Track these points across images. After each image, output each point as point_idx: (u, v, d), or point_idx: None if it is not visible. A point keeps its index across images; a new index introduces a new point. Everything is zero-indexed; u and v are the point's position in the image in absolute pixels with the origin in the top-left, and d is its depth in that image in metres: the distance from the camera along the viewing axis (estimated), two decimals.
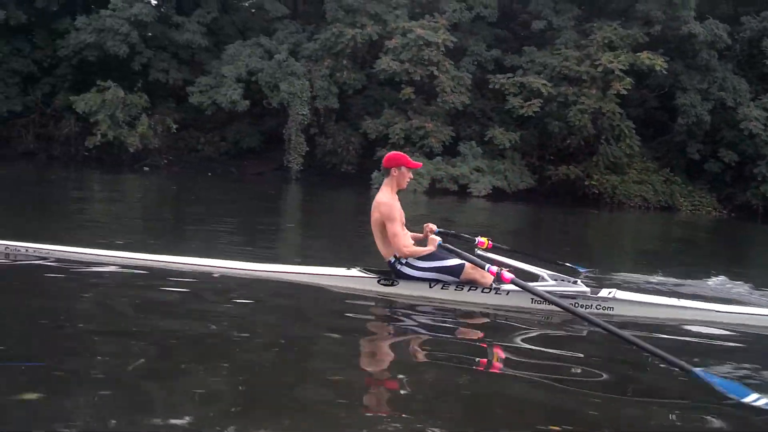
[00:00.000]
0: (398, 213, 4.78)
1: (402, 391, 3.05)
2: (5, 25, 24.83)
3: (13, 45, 26.01)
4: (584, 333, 4.40)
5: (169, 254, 5.41)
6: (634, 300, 4.85)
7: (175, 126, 23.58)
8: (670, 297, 5.09)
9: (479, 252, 5.11)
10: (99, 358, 3.09)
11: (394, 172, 4.83)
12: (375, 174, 22.50)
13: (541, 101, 22.77)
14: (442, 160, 22.82)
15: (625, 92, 22.67)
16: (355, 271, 5.01)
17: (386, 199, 4.76)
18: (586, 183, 24.59)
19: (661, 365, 3.50)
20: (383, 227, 4.74)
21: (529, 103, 22.71)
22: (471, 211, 19.09)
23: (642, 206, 24.74)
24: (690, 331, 4.50)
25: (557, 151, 25.18)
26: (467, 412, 2.90)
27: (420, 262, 4.74)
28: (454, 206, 19.90)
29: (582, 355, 3.86)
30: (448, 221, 14.04)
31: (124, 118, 23.08)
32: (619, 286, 5.31)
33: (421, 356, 3.70)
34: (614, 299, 4.76)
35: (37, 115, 25.66)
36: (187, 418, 2.50)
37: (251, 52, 23.76)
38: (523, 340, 4.12)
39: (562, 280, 4.80)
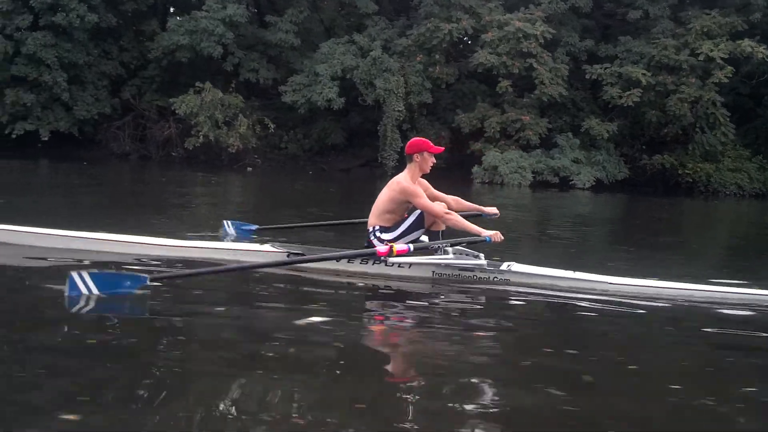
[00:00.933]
0: (420, 190, 5.03)
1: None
2: (95, 28, 25.15)
3: (101, 48, 26.34)
4: (476, 300, 4.83)
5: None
6: (529, 272, 5.13)
7: (273, 126, 23.73)
8: (566, 269, 5.24)
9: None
10: None
11: (417, 157, 5.06)
12: (476, 168, 22.58)
13: (640, 91, 22.63)
14: (542, 153, 22.80)
15: (726, 80, 22.46)
16: (267, 246, 5.31)
17: (407, 182, 5.01)
18: (680, 172, 24.43)
19: None
20: (392, 203, 5.05)
21: (628, 93, 22.58)
22: (573, 204, 19.11)
23: (737, 194, 24.53)
24: (582, 298, 4.80)
25: (649, 141, 25.04)
26: (357, 379, 3.07)
27: (387, 234, 5.04)
28: (557, 199, 19.95)
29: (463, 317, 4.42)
30: (550, 214, 14.09)
31: (223, 118, 23.29)
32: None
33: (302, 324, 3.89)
34: (510, 271, 5.08)
35: (131, 117, 25.95)
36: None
37: (345, 49, 23.82)
38: (401, 307, 4.63)
39: (465, 255, 5.02)
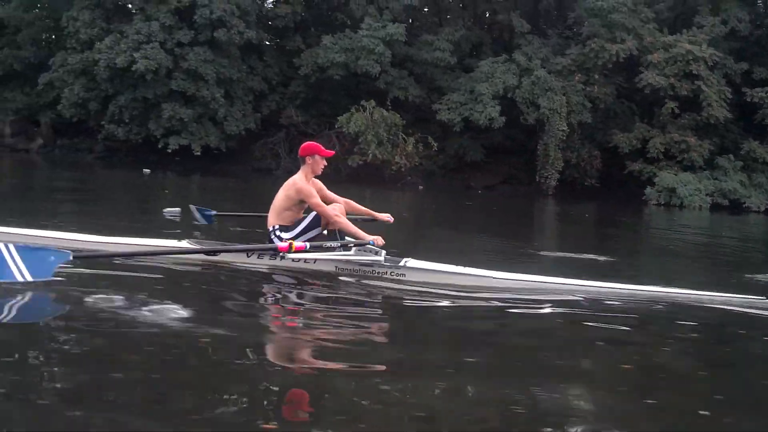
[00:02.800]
0: (315, 191, 5.35)
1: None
2: (245, 44, 25.38)
3: (247, 63, 26.54)
4: (372, 293, 5.09)
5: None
6: (423, 267, 5.42)
7: (435, 144, 23.82)
8: (456, 265, 5.52)
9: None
10: None
11: (309, 160, 5.41)
12: (649, 190, 22.57)
13: None
14: (709, 174, 22.82)
15: None
16: (185, 243, 5.58)
17: (301, 182, 5.33)
18: None
19: None
20: (288, 202, 5.35)
21: None
22: (746, 226, 19.04)
23: None
24: (468, 292, 5.18)
25: None
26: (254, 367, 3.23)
27: (286, 233, 5.33)
28: (743, 223, 19.86)
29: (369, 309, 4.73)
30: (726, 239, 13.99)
31: (387, 137, 23.41)
32: None
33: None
34: (406, 267, 5.36)
35: (284, 133, 26.10)
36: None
37: (506, 68, 23.94)
38: (309, 298, 4.99)
39: (366, 252, 5.28)
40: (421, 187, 23.85)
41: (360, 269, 5.36)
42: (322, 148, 5.52)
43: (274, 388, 2.99)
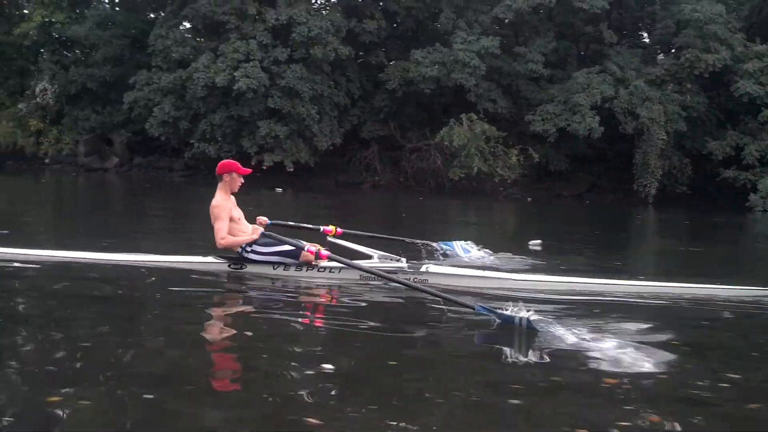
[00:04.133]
0: (227, 212, 5.47)
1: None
2: (334, 60, 25.50)
3: (332, 78, 26.65)
4: (399, 299, 5.22)
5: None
6: (444, 272, 5.66)
7: (536, 156, 24.07)
8: (476, 269, 5.80)
9: (330, 239, 6.10)
10: None
11: (226, 177, 5.57)
12: (753, 197, 22.96)
13: None
14: None
15: None
16: (210, 258, 5.77)
17: (217, 202, 5.48)
18: None
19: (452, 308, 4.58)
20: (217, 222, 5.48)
21: None
22: None
23: None
24: (490, 294, 5.29)
25: None
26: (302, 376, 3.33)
27: (262, 248, 5.50)
28: None
29: (400, 318, 4.81)
30: None
31: (489, 149, 23.64)
32: None
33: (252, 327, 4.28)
34: (428, 272, 5.58)
35: (375, 147, 26.24)
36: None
37: (601, 79, 24.27)
38: (346, 308, 5.00)
39: (388, 259, 5.60)
40: (529, 199, 24.08)
41: (398, 277, 5.42)
42: (239, 165, 5.66)
43: (302, 393, 3.05)
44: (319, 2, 26.25)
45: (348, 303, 5.16)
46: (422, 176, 25.30)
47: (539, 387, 3.32)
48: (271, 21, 24.07)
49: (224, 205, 5.51)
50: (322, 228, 6.30)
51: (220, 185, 5.60)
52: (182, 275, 5.59)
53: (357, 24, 25.97)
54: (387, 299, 5.29)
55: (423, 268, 5.62)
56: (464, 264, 6.40)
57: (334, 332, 4.32)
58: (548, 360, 3.68)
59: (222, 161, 5.79)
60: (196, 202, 16.21)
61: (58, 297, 4.79)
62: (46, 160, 30.12)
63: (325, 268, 5.55)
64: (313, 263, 5.55)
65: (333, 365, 3.43)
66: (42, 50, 32.04)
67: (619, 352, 3.72)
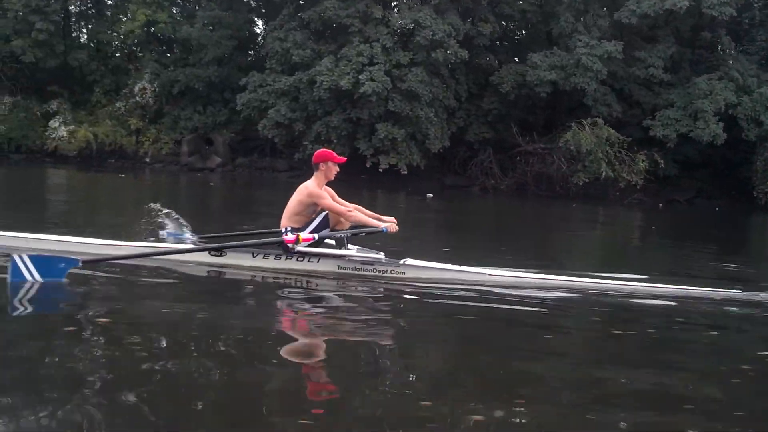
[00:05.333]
0: (328, 194, 5.69)
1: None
2: (452, 63, 25.55)
3: (442, 81, 26.69)
4: (374, 290, 5.38)
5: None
6: (422, 266, 5.77)
7: (661, 162, 24.06)
8: (452, 264, 5.88)
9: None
10: None
11: (322, 166, 5.68)
12: None
13: None
14: None
15: None
16: (189, 244, 5.86)
17: (314, 187, 5.61)
18: None
19: None
20: (300, 206, 5.62)
21: None
22: None
23: None
24: (464, 288, 5.49)
25: None
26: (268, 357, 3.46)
27: (297, 233, 5.58)
28: None
29: (366, 307, 4.91)
30: None
31: (614, 154, 23.66)
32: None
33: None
34: (405, 265, 5.70)
35: (490, 151, 26.30)
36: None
37: (723, 85, 24.21)
38: (308, 297, 5.22)
39: (366, 251, 5.69)
40: (661, 205, 24.09)
41: (362, 267, 5.63)
42: (335, 155, 5.79)
43: (282, 385, 3.14)
44: (433, 5, 26.05)
45: (324, 292, 5.37)
46: (542, 180, 25.31)
47: None
48: (395, 24, 24.12)
49: (322, 191, 5.65)
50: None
51: (316, 174, 5.71)
52: (161, 262, 5.64)
53: (472, 27, 25.99)
54: (363, 289, 5.41)
55: (401, 261, 5.74)
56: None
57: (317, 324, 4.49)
58: None
59: (318, 151, 5.90)
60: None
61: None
62: (147, 159, 30.39)
63: (303, 256, 5.62)
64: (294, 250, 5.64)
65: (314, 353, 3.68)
66: (136, 48, 32.33)
67: None
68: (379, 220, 5.87)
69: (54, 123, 29.92)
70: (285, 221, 5.72)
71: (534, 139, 26.04)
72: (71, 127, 29.81)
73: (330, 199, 5.66)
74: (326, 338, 4.13)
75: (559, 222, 17.02)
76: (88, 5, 32.57)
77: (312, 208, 5.67)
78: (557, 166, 24.35)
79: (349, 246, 5.73)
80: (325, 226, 5.64)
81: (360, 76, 23.73)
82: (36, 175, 22.29)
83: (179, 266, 5.59)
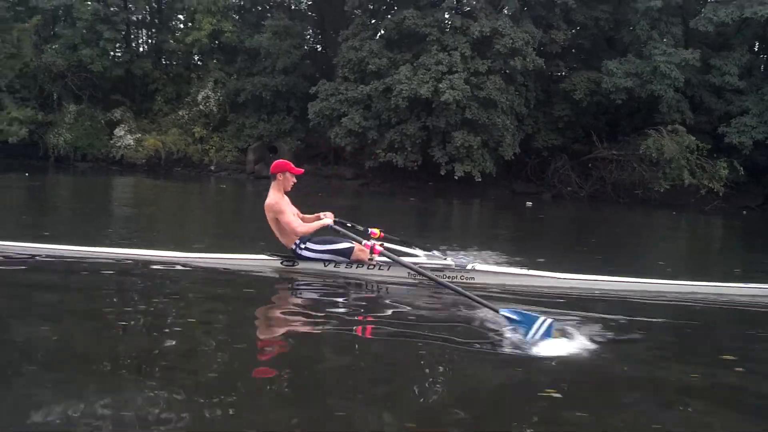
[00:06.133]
0: (287, 207, 5.74)
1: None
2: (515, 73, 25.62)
3: (516, 87, 26.72)
4: (443, 299, 5.31)
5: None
6: (490, 270, 5.82)
7: (741, 169, 24.05)
8: (521, 268, 5.93)
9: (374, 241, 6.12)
10: None
11: (280, 176, 5.78)
12: None
13: None
14: None
15: None
16: (263, 255, 5.96)
17: (274, 200, 5.70)
18: None
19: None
20: (277, 222, 5.71)
21: None
22: None
23: None
24: (535, 292, 5.53)
25: None
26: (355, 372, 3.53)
27: (316, 245, 5.72)
28: None
29: (440, 317, 4.86)
30: None
31: (695, 161, 23.67)
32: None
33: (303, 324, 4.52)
34: (474, 270, 5.74)
35: (566, 157, 26.33)
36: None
37: None
38: (392, 306, 5.17)
39: (434, 258, 5.78)
40: (744, 212, 24.07)
41: (432, 274, 5.55)
42: (292, 165, 5.86)
43: (359, 385, 3.26)
44: (505, 12, 26.19)
45: (393, 302, 5.32)
46: (620, 187, 25.32)
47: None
48: (475, 33, 24.22)
49: (281, 201, 5.73)
50: (370, 230, 6.34)
51: (273, 184, 5.82)
52: (234, 273, 5.86)
53: (544, 35, 26.09)
54: (433, 298, 5.43)
55: (469, 266, 5.76)
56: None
57: (379, 331, 4.52)
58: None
59: (276, 161, 5.98)
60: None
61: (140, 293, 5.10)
62: (212, 167, 30.54)
63: (374, 264, 5.69)
64: (367, 259, 5.69)
65: (373, 362, 3.72)
66: (199, 57, 32.53)
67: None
68: (318, 219, 5.93)
69: (119, 131, 30.15)
70: (285, 240, 5.83)
71: (604, 146, 26.05)
72: (137, 136, 30.02)
73: (287, 213, 5.73)
74: (395, 346, 4.17)
75: (662, 229, 17.04)
76: (152, 14, 32.75)
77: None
78: (637, 172, 24.34)
79: (417, 251, 5.86)
80: (344, 255, 5.78)
81: (440, 85, 23.81)
82: (117, 183, 22.36)
83: (247, 274, 5.79)
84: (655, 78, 24.45)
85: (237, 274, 5.88)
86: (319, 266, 5.80)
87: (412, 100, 24.36)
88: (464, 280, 5.63)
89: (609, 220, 19.11)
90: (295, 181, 5.89)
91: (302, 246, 5.76)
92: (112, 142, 30.11)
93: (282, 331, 4.41)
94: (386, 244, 5.71)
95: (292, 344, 4.09)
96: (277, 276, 5.87)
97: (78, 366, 3.39)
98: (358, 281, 5.75)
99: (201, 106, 31.02)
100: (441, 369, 3.71)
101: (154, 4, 31.56)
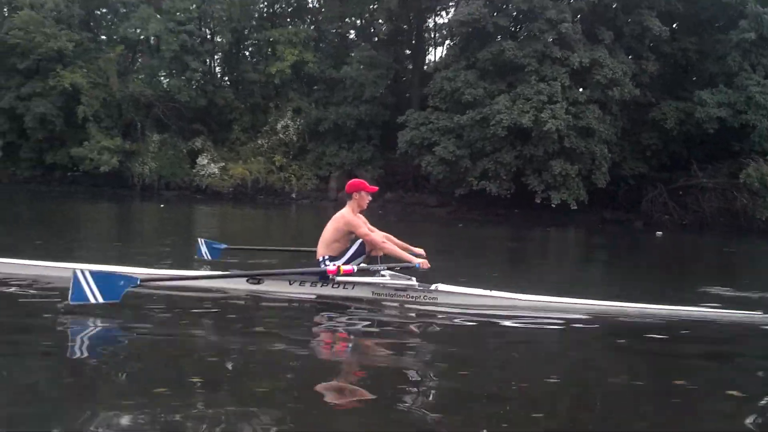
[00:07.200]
0: (363, 222, 5.82)
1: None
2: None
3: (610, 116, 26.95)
4: (408, 316, 5.47)
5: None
6: (454, 291, 5.81)
7: None
8: (484, 289, 5.91)
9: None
10: None
11: (356, 195, 5.85)
12: None
13: None
14: None
15: None
16: (228, 272, 5.90)
17: (350, 216, 5.78)
18: None
19: None
20: (338, 234, 5.76)
21: None
22: None
23: None
24: (495, 314, 5.55)
25: None
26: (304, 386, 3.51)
27: (335, 262, 5.70)
28: None
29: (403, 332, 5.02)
30: None
31: None
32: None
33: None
34: (438, 291, 5.75)
35: (661, 185, 26.57)
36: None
37: None
38: (345, 322, 5.22)
39: (399, 278, 5.76)
40: None
41: (395, 293, 5.72)
42: (367, 184, 5.95)
43: (313, 411, 3.21)
44: (605, 44, 26.58)
45: (359, 318, 5.35)
46: (721, 215, 25.49)
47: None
48: (574, 63, 24.61)
49: (357, 219, 5.80)
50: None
51: (349, 203, 5.88)
52: (203, 291, 5.79)
53: (635, 65, 26.49)
54: (395, 316, 5.51)
55: (432, 287, 5.77)
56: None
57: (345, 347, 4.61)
58: None
59: (351, 180, 6.06)
60: None
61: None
62: (293, 195, 30.74)
63: (339, 284, 5.72)
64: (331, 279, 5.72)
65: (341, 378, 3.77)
66: (279, 87, 32.87)
67: None
68: (409, 250, 5.96)
69: (202, 160, 30.41)
70: (322, 250, 5.85)
71: (698, 174, 26.30)
72: (221, 164, 30.26)
73: (365, 227, 5.82)
74: (359, 363, 4.21)
75: None
76: (232, 45, 33.20)
77: (347, 236, 5.81)
78: (739, 201, 24.54)
79: (383, 272, 5.84)
80: (360, 253, 5.80)
81: (541, 114, 24.11)
82: (219, 213, 22.44)
83: (216, 292, 5.75)
84: (749, 108, 24.78)
85: (205, 291, 5.83)
86: (284, 284, 5.82)
87: (510, 129, 24.65)
88: (428, 300, 5.72)
89: (754, 252, 19.02)
90: (370, 199, 5.93)
91: (326, 262, 5.80)
92: (195, 170, 30.35)
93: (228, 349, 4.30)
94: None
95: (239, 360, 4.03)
96: (240, 294, 5.77)
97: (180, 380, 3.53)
98: (324, 300, 5.78)
99: (281, 135, 31.35)
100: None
101: (235, 34, 31.95)
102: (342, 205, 6.05)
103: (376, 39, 32.15)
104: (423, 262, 5.71)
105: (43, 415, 2.96)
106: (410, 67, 32.86)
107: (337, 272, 5.52)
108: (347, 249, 5.80)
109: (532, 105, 24.45)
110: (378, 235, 5.84)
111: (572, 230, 23.99)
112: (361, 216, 5.95)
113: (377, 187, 6.26)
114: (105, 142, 28.50)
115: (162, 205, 22.70)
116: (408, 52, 32.83)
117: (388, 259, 5.95)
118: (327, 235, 5.83)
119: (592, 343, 5.05)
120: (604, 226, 26.61)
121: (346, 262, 5.73)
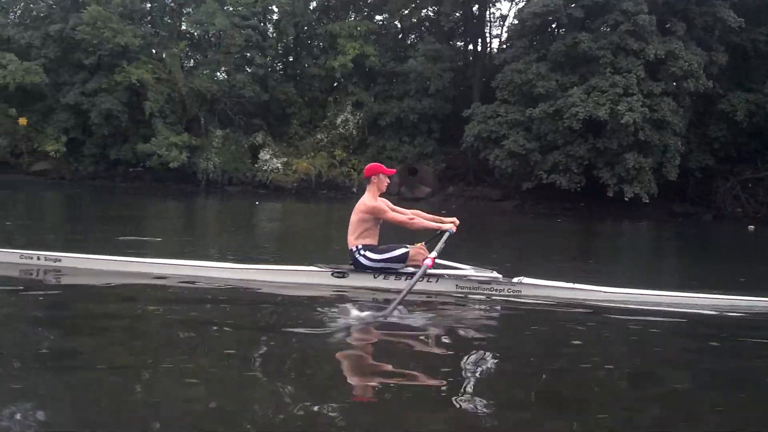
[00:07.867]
0: (387, 205, 5.74)
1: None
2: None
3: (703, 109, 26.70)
4: (494, 309, 5.45)
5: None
6: (538, 284, 5.78)
7: None
8: (568, 282, 5.85)
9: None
10: None
11: (374, 179, 5.79)
12: None
13: None
14: None
15: None
16: (313, 267, 5.86)
17: (370, 202, 5.69)
18: None
19: None
20: (362, 222, 5.66)
21: None
22: None
23: None
24: (582, 305, 5.54)
25: None
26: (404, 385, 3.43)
27: (374, 254, 5.64)
28: None
29: (481, 328, 4.87)
30: None
31: None
32: None
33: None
34: (521, 283, 5.73)
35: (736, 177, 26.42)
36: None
37: None
38: (433, 317, 5.12)
39: (482, 270, 5.81)
40: None
41: (479, 286, 5.70)
42: (385, 167, 5.91)
43: (408, 410, 3.13)
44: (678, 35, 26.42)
45: (444, 314, 5.26)
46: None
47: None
48: (650, 55, 24.48)
49: (379, 204, 5.70)
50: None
51: (369, 188, 5.84)
52: (283, 285, 5.76)
53: (706, 57, 26.31)
54: (481, 309, 5.46)
55: (516, 280, 5.76)
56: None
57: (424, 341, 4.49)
58: None
59: (369, 165, 6.01)
60: None
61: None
62: (354, 189, 30.80)
63: (423, 277, 5.55)
64: (422, 261, 5.48)
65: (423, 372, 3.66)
66: (336, 81, 32.94)
67: None
68: (440, 221, 5.85)
69: (264, 155, 30.54)
70: (353, 240, 5.73)
71: (762, 166, 26.16)
72: (283, 159, 30.38)
73: (390, 211, 5.74)
74: (443, 358, 4.05)
75: None
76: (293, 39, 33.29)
77: (374, 222, 5.73)
78: None
79: (464, 265, 5.87)
80: (400, 260, 5.73)
81: (617, 107, 24.01)
82: (296, 209, 22.55)
83: (291, 286, 5.72)
84: None
85: (287, 285, 5.79)
86: (369, 278, 5.72)
87: (585, 121, 24.56)
88: (511, 293, 5.69)
89: None
90: (389, 181, 5.91)
91: (361, 252, 5.68)
92: (257, 165, 30.48)
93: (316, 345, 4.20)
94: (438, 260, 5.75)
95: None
96: (326, 287, 5.74)
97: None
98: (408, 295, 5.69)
99: (340, 129, 31.41)
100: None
101: (296, 29, 32.02)
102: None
103: (435, 31, 32.06)
104: (452, 225, 5.70)
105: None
106: (471, 59, 32.77)
107: (434, 264, 5.43)
108: (387, 249, 5.70)
109: (607, 97, 24.34)
110: (404, 216, 5.78)
111: (645, 224, 23.93)
112: (383, 199, 5.89)
113: (394, 170, 6.32)
114: (173, 137, 28.67)
115: (257, 203, 22.80)
116: (470, 46, 32.73)
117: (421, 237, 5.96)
118: (354, 225, 5.76)
119: (701, 341, 4.77)
120: (673, 219, 26.52)
121: (386, 250, 5.68)
